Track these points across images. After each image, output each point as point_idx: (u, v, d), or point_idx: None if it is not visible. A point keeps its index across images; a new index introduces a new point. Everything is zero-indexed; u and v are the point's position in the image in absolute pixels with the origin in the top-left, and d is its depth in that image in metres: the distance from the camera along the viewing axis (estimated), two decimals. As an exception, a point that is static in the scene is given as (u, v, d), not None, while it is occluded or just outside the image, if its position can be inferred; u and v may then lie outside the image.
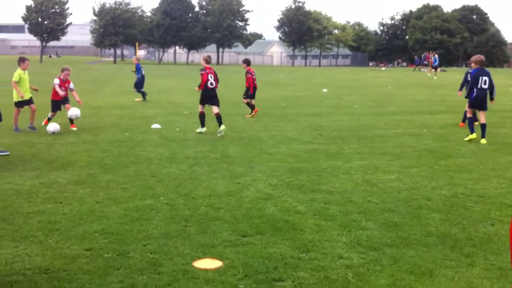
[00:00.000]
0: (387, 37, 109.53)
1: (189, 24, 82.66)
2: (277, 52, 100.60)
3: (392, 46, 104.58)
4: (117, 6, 78.66)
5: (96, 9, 78.18)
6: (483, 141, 10.76)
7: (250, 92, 14.93)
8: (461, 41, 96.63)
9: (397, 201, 6.47)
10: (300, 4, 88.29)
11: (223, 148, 9.91)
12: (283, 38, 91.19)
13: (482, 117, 11.02)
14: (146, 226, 5.40)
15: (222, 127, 11.36)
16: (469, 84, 11.22)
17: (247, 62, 15.28)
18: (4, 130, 11.00)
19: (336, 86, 29.04)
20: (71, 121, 12.01)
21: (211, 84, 11.60)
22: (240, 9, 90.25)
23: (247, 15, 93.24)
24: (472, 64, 11.40)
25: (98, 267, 4.36)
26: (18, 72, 11.51)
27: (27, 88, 11.69)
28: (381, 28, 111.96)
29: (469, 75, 12.21)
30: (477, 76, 10.90)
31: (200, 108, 11.84)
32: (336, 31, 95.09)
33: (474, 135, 10.90)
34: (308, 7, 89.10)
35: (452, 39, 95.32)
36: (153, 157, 8.97)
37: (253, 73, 15.03)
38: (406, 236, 5.22)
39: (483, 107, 10.98)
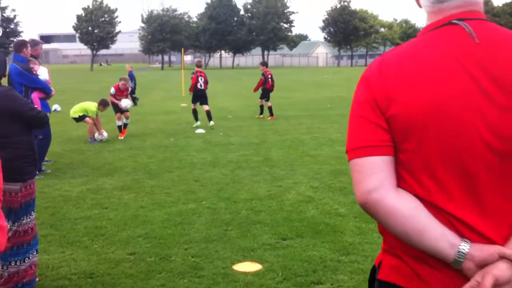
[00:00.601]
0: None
1: (234, 27, 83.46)
2: (323, 53, 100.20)
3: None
4: (165, 12, 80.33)
5: (144, 16, 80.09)
6: None
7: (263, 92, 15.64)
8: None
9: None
10: (346, 3, 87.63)
11: (266, 152, 9.96)
12: (328, 38, 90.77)
13: None
14: (188, 230, 5.50)
15: (212, 122, 13.30)
16: None
17: (265, 64, 15.98)
18: (54, 138, 11.40)
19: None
20: (120, 128, 12.28)
21: (200, 85, 13.44)
22: (285, 11, 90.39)
23: (292, 17, 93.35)
24: None
25: (140, 271, 4.47)
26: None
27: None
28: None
29: None
30: None
31: (192, 105, 13.64)
32: (382, 29, 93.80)
33: None
34: (354, 6, 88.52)
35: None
36: (197, 162, 9.11)
37: (268, 76, 15.42)
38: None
39: None
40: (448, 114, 1.37)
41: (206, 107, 13.57)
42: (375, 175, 1.41)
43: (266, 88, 15.40)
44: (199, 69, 13.74)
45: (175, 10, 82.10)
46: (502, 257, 1.34)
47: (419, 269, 1.45)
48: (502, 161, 1.37)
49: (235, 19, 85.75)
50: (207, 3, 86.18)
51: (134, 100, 19.58)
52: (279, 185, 7.36)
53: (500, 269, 1.33)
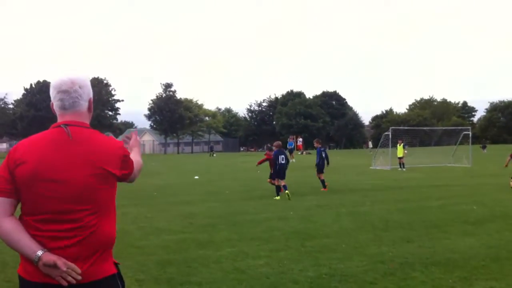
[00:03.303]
0: (255, 123, 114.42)
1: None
2: (149, 140, 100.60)
3: (261, 131, 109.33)
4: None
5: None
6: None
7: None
8: (323, 125, 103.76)
9: (265, 287, 6.53)
10: (171, 93, 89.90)
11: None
12: (154, 126, 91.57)
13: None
14: None
15: None
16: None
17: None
18: None
19: (208, 172, 29.43)
20: None
21: None
22: (110, 99, 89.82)
23: (117, 104, 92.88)
24: (274, 148, 17.20)
25: None
26: None
27: None
28: (250, 114, 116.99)
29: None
30: (277, 155, 16.56)
31: None
32: (207, 118, 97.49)
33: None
34: (179, 95, 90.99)
35: (315, 123, 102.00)
36: (9, 260, 8.24)
37: None
38: (274, 323, 5.24)
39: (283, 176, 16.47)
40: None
41: None
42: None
43: None
44: None
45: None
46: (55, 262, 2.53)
47: (27, 265, 2.60)
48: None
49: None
50: (25, 89, 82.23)
51: None
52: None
53: (46, 260, 2.53)
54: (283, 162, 16.59)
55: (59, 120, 2.74)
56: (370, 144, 79.43)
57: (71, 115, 2.74)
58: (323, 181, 18.74)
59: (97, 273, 2.66)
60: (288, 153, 40.65)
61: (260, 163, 18.70)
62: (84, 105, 2.79)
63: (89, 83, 2.84)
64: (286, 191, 15.99)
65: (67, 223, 2.59)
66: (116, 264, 2.82)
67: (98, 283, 2.67)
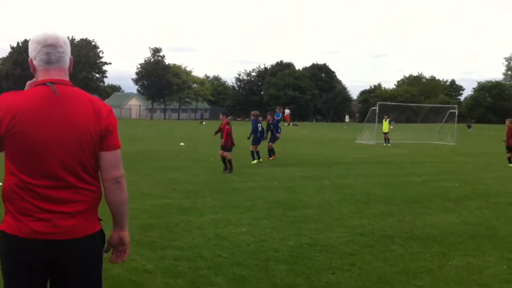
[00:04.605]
0: (244, 92, 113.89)
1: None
2: (136, 105, 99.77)
3: (249, 101, 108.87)
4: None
5: None
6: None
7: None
8: (312, 98, 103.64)
9: (246, 254, 6.59)
10: (159, 58, 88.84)
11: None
12: (141, 91, 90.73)
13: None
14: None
15: None
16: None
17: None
18: None
19: (194, 140, 29.36)
20: None
21: None
22: (98, 61, 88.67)
23: (104, 67, 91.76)
24: (252, 117, 18.12)
25: None
26: None
27: None
28: (238, 83, 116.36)
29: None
30: (256, 123, 17.75)
31: None
32: (195, 85, 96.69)
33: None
34: (168, 60, 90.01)
35: (303, 95, 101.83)
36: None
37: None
38: (253, 290, 5.30)
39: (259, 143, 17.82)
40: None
41: None
42: None
43: None
44: None
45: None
46: None
47: (16, 221, 2.64)
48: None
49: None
50: (12, 47, 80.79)
51: None
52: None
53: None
54: (261, 129, 17.99)
55: (43, 77, 2.70)
56: (347, 118, 78.47)
57: (56, 71, 2.72)
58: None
59: (88, 228, 2.75)
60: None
61: (216, 132, 15.79)
62: (67, 61, 2.80)
63: (69, 43, 2.84)
64: (260, 159, 17.81)
65: (61, 181, 2.66)
66: (99, 220, 2.88)
67: (91, 237, 2.76)
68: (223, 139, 14.98)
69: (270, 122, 19.75)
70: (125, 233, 2.93)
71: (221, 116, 15.62)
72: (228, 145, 14.96)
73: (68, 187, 2.65)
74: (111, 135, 2.76)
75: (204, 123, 63.39)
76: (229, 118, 15.68)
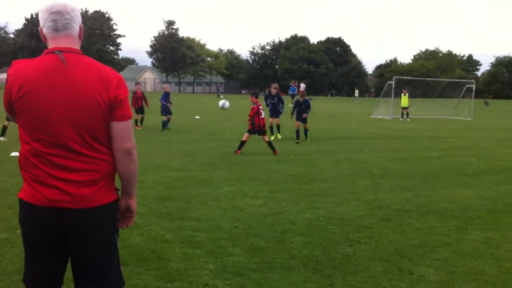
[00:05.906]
0: (258, 66, 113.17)
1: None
2: (150, 78, 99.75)
3: (263, 75, 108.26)
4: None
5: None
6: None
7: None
8: (326, 72, 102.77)
9: (263, 226, 6.62)
10: (173, 30, 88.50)
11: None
12: (156, 64, 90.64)
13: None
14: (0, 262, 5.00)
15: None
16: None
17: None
18: None
19: (209, 113, 29.37)
20: None
21: None
22: (111, 34, 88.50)
23: (119, 40, 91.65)
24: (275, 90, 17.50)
25: None
26: None
27: None
28: (252, 57, 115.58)
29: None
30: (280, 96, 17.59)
31: None
32: (209, 58, 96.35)
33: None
34: (182, 33, 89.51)
35: (318, 69, 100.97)
36: (10, 187, 8.35)
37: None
38: (271, 260, 5.34)
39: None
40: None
41: None
42: None
43: None
44: None
45: (-11, 23, 75.63)
46: None
47: (32, 189, 2.65)
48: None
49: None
50: (26, 19, 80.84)
51: None
52: (102, 212, 7.04)
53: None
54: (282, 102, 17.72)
55: (52, 45, 2.70)
56: (357, 93, 77.22)
57: (64, 38, 2.70)
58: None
59: (103, 198, 2.76)
60: (290, 98, 40.46)
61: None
62: (76, 28, 2.75)
63: (78, 11, 2.81)
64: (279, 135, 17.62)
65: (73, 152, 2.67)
66: (117, 190, 2.89)
67: (105, 207, 2.77)
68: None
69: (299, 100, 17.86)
70: (133, 201, 2.95)
71: (250, 98, 14.58)
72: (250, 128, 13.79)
73: (79, 155, 2.64)
74: (122, 105, 2.72)
75: (221, 96, 63.23)
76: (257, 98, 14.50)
